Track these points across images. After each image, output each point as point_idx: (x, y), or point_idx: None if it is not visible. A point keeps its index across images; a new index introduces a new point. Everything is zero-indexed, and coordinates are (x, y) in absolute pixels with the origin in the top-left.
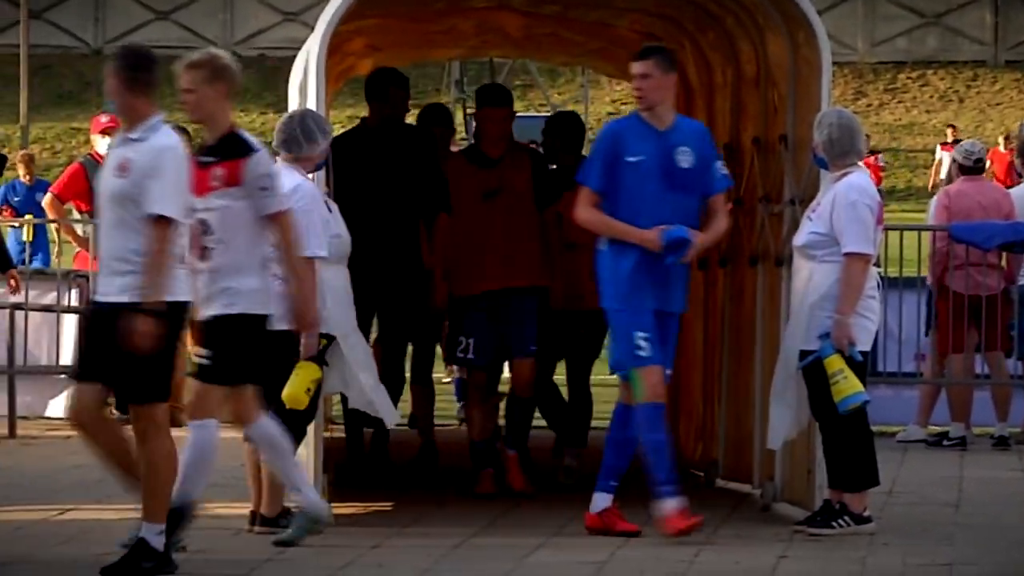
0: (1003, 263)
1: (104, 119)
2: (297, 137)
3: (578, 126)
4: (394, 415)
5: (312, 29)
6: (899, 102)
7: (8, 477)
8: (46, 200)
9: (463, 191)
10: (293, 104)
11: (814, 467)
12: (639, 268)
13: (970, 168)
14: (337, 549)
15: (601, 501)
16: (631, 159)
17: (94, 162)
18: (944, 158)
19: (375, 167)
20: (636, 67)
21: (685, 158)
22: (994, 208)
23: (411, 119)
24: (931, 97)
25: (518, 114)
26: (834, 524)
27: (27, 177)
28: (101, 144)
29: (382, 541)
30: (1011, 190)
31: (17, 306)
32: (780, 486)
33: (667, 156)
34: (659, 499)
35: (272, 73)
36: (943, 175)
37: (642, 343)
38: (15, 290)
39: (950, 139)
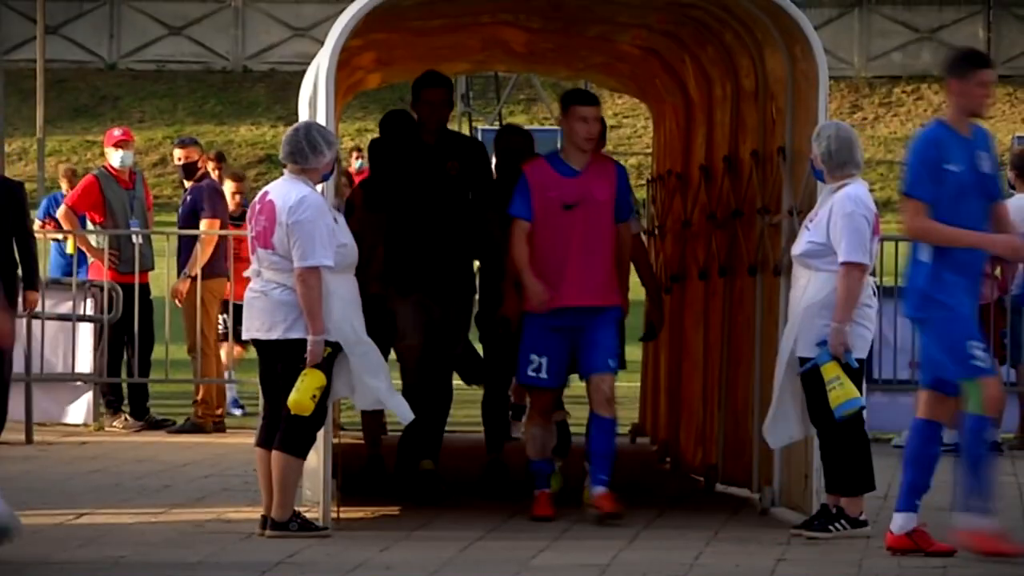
0: (997, 273)
1: (117, 132)
2: (303, 149)
3: (528, 141)
4: (408, 412)
5: (321, 44)
6: (894, 115)
7: (26, 482)
8: (61, 212)
9: (545, 201)
10: (303, 117)
11: (811, 472)
12: (963, 276)
13: None
14: (347, 552)
15: (908, 521)
16: (951, 168)
17: (108, 174)
18: None
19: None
20: (986, 75)
21: (986, 164)
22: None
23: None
24: (925, 111)
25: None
26: (831, 528)
27: (69, 190)
28: (114, 157)
29: (390, 544)
30: (1007, 201)
31: (34, 315)
32: (778, 491)
33: (975, 163)
34: (969, 513)
35: (282, 87)
36: None
37: (978, 352)
38: (29, 310)
39: None
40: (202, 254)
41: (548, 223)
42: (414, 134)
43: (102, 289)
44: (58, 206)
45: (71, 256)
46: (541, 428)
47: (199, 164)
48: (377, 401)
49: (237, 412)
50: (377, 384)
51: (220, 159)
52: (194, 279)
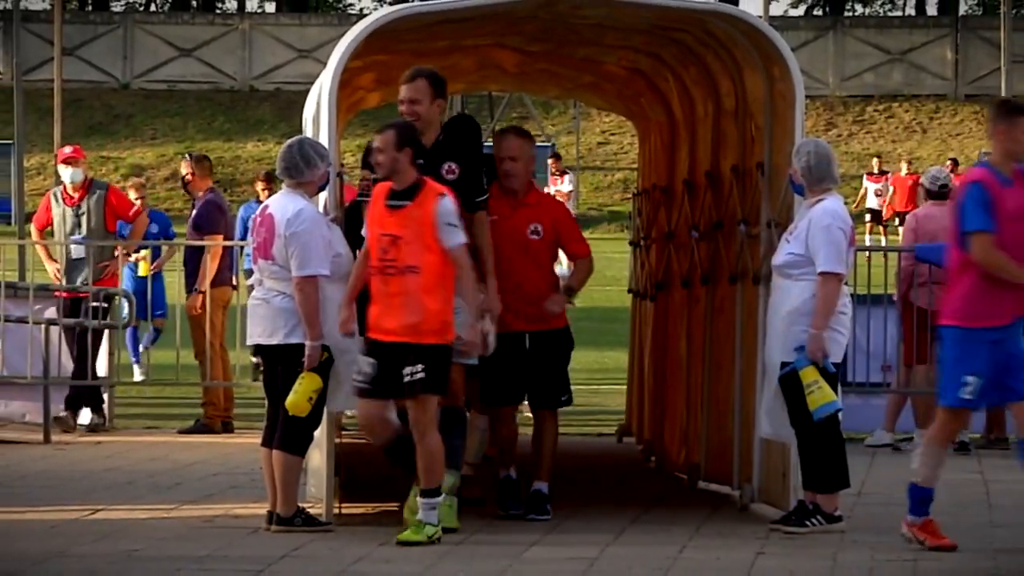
0: None
1: (67, 150)
2: (297, 163)
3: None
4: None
5: (324, 65)
6: (867, 132)
7: (43, 480)
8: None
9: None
10: (307, 134)
11: (789, 470)
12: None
13: (936, 193)
14: (348, 546)
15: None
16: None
17: (58, 192)
18: (869, 188)
19: None
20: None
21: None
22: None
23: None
24: (896, 128)
25: None
26: (808, 523)
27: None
28: (64, 174)
29: (389, 539)
30: None
31: (51, 322)
32: (757, 488)
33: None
34: None
35: (287, 105)
36: (871, 203)
37: None
38: None
39: (876, 170)
40: (208, 269)
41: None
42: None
43: (114, 297)
44: (126, 225)
45: (144, 278)
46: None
47: (187, 178)
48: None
49: None
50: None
51: (269, 179)
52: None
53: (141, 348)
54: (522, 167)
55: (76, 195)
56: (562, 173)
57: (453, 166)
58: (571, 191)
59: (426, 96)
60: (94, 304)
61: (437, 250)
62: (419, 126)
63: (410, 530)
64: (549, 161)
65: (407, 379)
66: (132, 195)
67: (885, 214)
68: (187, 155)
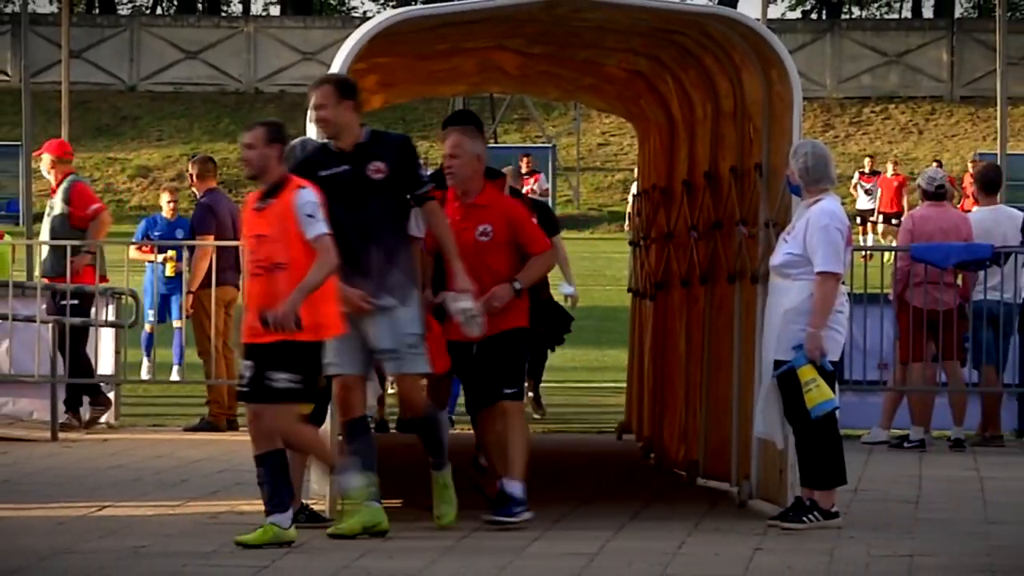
0: (958, 281)
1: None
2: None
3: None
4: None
5: (328, 67)
6: (864, 134)
7: (51, 476)
8: None
9: None
10: (311, 135)
11: (786, 467)
12: None
13: (932, 194)
14: (353, 543)
15: None
16: None
17: None
18: (860, 187)
19: None
20: None
21: None
22: (954, 232)
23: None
24: (893, 129)
25: (516, 145)
26: (805, 519)
27: (170, 211)
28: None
29: (393, 535)
30: (969, 214)
31: (58, 321)
32: (755, 484)
33: None
34: None
35: (291, 107)
36: (863, 204)
37: None
38: None
39: (868, 170)
40: (196, 270)
41: None
42: None
43: (122, 297)
44: (155, 228)
45: (172, 278)
46: None
47: (188, 180)
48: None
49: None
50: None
51: None
52: (199, 289)
53: (175, 348)
54: (463, 164)
55: (52, 192)
56: (533, 173)
57: (380, 165)
58: (547, 189)
59: (330, 100)
60: (64, 302)
61: (302, 245)
62: (330, 130)
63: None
64: (521, 161)
65: (269, 384)
66: (165, 198)
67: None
68: (192, 156)
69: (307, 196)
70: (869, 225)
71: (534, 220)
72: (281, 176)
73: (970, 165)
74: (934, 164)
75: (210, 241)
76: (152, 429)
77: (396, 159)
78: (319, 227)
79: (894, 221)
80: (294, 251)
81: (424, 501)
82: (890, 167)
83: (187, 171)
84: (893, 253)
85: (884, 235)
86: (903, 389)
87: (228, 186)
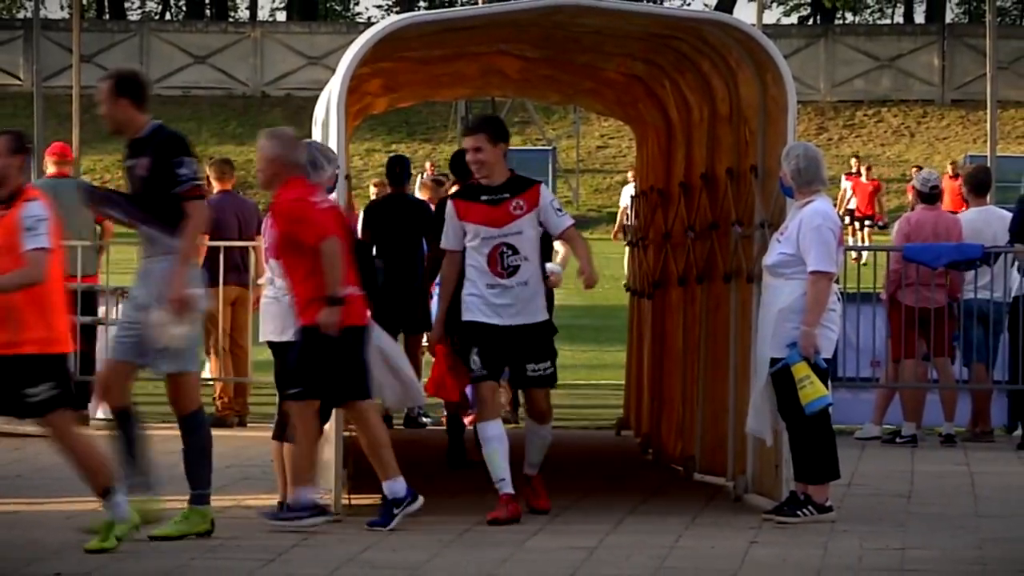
0: (948, 281)
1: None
2: (305, 167)
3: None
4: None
5: (333, 72)
6: (857, 136)
7: (61, 471)
8: None
9: None
10: (316, 138)
11: (781, 462)
12: None
13: (927, 195)
14: (357, 536)
15: None
16: None
17: None
18: (848, 187)
19: None
20: None
21: None
22: (945, 235)
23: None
24: (885, 132)
25: (517, 148)
26: (799, 513)
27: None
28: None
29: (396, 529)
30: (959, 215)
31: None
32: (751, 479)
33: None
34: None
35: (297, 111)
36: (852, 204)
37: None
38: None
39: (854, 169)
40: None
41: None
42: None
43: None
44: None
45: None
46: None
47: (206, 182)
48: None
49: (426, 420)
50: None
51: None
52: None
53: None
54: (262, 167)
55: None
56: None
57: (143, 161)
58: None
59: (107, 98)
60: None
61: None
62: (113, 126)
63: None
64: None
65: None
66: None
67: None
68: (210, 159)
69: (32, 209)
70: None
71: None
72: (18, 187)
73: (949, 168)
74: (914, 169)
75: (204, 240)
76: (161, 425)
77: (157, 155)
78: (36, 241)
79: (867, 223)
80: (21, 263)
81: (430, 495)
82: (864, 172)
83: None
84: (884, 253)
85: (859, 238)
86: (895, 386)
87: (236, 188)
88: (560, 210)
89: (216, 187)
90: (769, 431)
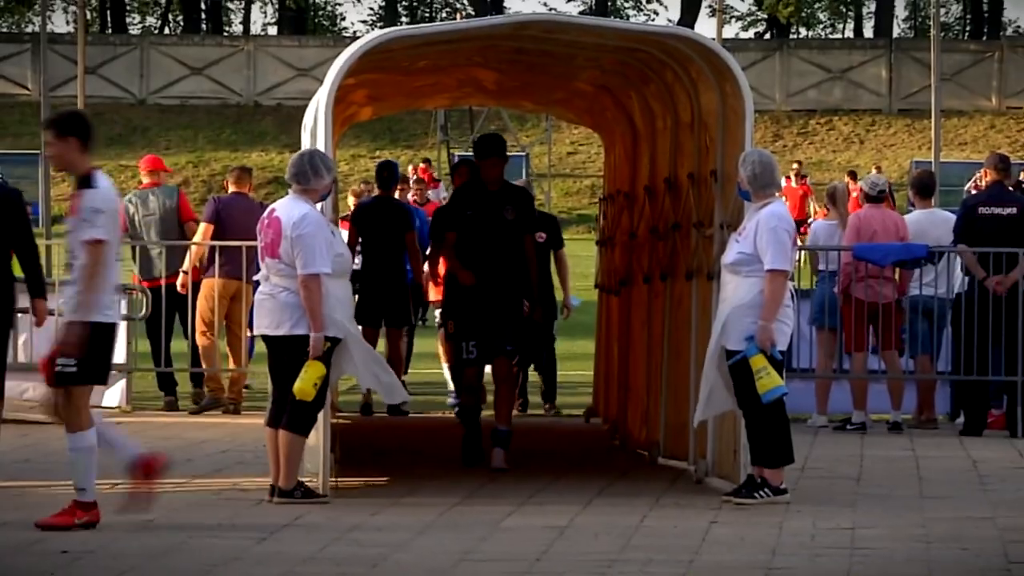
0: (896, 277)
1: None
2: (306, 171)
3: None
4: (400, 394)
5: (321, 82)
6: (810, 143)
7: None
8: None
9: None
10: (305, 145)
11: (739, 447)
12: None
13: (874, 197)
14: (344, 516)
15: None
16: None
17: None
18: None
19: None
20: None
21: None
22: (892, 231)
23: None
24: (836, 139)
25: None
26: (756, 495)
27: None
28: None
29: (381, 509)
30: (905, 216)
31: None
32: (711, 463)
33: None
34: None
35: (288, 119)
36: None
37: None
38: (39, 323)
39: (793, 175)
40: (192, 254)
41: None
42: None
43: (132, 292)
44: None
45: None
46: None
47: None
48: (377, 383)
49: (451, 401)
50: (375, 369)
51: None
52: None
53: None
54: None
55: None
56: (432, 182)
57: None
58: (445, 197)
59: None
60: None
61: None
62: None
63: None
64: (420, 166)
65: None
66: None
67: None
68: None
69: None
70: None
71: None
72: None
73: (847, 177)
74: (847, 177)
75: (206, 232)
76: (160, 413)
77: None
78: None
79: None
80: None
81: (411, 479)
82: (794, 177)
83: (192, 178)
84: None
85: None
86: (845, 376)
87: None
88: None
89: (232, 188)
90: (731, 401)
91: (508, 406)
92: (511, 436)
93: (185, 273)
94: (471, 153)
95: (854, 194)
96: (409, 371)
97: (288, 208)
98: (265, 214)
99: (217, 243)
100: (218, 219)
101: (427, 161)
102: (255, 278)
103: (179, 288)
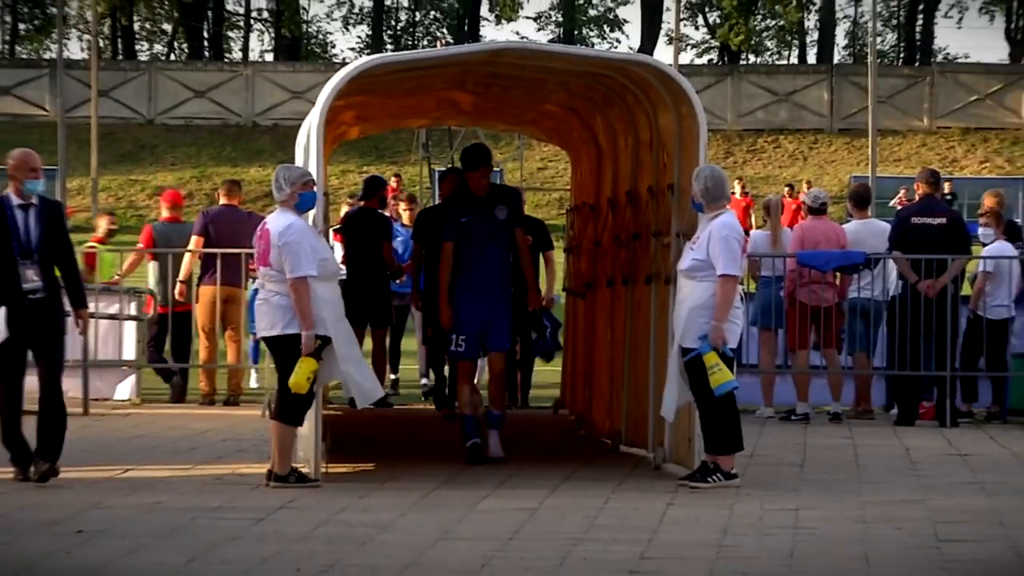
0: (837, 282)
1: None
2: (274, 186)
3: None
4: (372, 394)
5: (314, 104)
6: (758, 160)
7: (83, 445)
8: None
9: None
10: (299, 162)
11: (694, 436)
12: None
13: (816, 210)
14: (334, 499)
15: None
16: None
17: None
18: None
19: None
20: None
21: None
22: (833, 240)
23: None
24: (782, 156)
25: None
26: (709, 479)
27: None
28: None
29: (367, 493)
30: (844, 226)
31: (90, 314)
32: (668, 451)
33: None
34: None
35: (283, 138)
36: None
37: None
38: (84, 331)
39: (738, 191)
40: (183, 264)
41: None
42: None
43: (141, 294)
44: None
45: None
46: None
47: (217, 195)
48: (354, 385)
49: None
50: (354, 369)
51: (412, 200)
52: (185, 283)
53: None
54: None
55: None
56: (409, 200)
57: None
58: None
59: None
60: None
61: None
62: None
63: None
64: (393, 181)
65: None
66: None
67: None
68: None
69: None
70: None
71: None
72: None
73: (786, 191)
74: (786, 189)
75: (196, 244)
76: (168, 405)
77: None
78: None
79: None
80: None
81: (395, 465)
82: (738, 188)
83: (196, 191)
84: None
85: None
86: (790, 371)
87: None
88: None
89: (223, 200)
90: (673, 409)
91: (501, 392)
92: (503, 419)
93: (183, 283)
94: (451, 167)
95: (795, 206)
96: (400, 369)
97: (276, 220)
98: (259, 228)
99: (206, 250)
100: (207, 232)
101: (398, 176)
102: (254, 286)
103: (177, 295)
